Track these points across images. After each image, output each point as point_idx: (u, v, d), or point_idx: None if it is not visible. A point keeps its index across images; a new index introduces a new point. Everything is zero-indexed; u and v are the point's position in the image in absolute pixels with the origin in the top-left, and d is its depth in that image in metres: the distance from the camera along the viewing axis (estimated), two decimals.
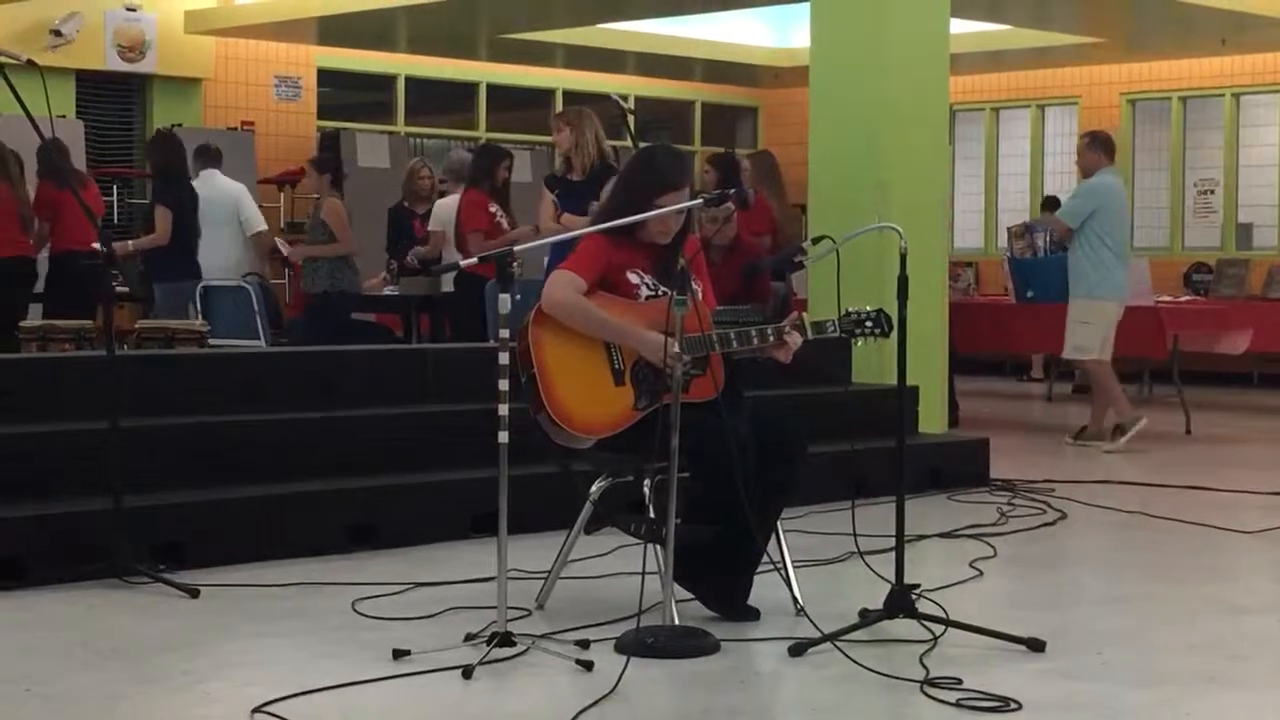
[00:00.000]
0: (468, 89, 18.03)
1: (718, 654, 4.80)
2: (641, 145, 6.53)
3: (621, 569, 5.90)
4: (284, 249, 12.21)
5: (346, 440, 6.97)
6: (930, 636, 4.89)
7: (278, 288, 13.65)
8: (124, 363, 6.55)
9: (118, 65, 15.39)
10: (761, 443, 5.14)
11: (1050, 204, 16.58)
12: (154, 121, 15.74)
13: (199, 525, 6.18)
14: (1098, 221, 10.24)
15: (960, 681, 4.42)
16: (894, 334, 5.15)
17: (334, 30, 15.74)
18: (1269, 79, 16.91)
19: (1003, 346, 14.25)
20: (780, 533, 5.38)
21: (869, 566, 5.44)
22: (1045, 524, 7.44)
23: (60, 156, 10.90)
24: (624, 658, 4.57)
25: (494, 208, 10.22)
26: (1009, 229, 12.98)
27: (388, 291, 11.27)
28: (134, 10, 15.35)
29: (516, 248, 5.04)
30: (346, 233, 11.01)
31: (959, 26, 10.38)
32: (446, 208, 10.90)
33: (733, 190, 5.56)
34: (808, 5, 9.90)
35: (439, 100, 18.24)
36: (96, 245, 5.91)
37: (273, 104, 16.57)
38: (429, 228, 11.24)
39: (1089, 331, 10.39)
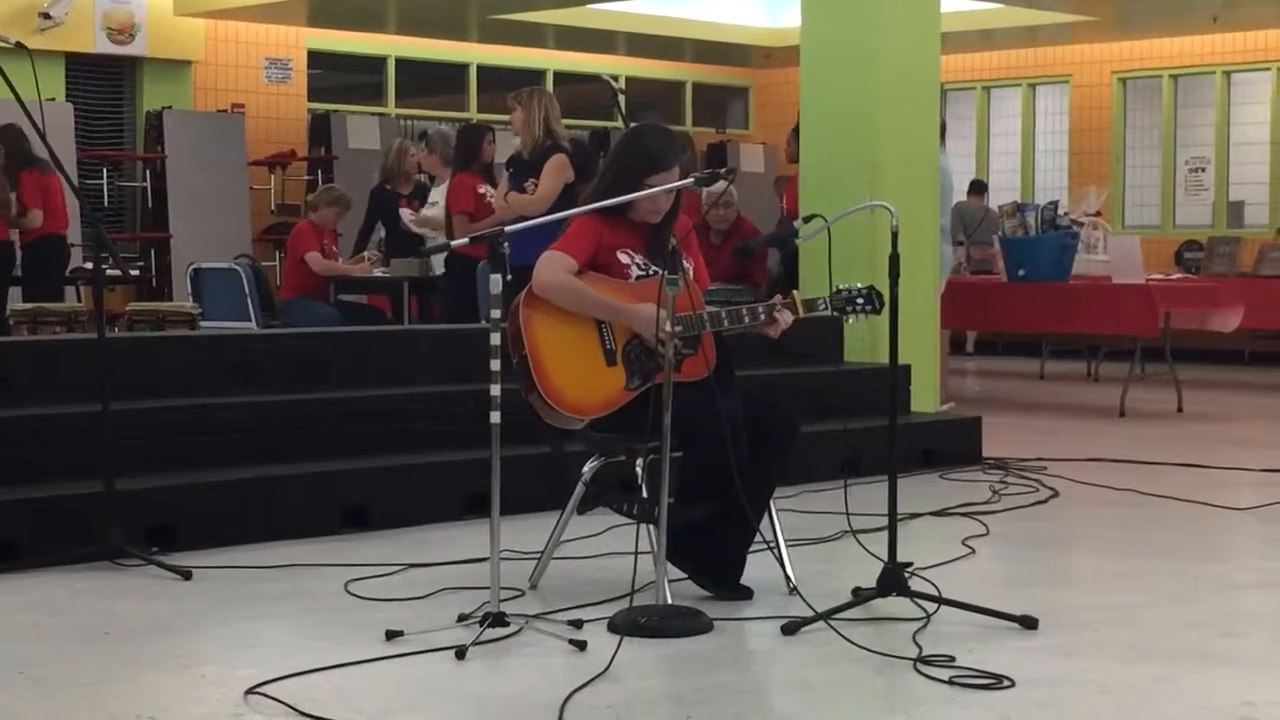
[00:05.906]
0: (458, 70, 18.01)
1: (711, 633, 4.80)
2: (632, 125, 6.52)
3: (614, 549, 5.91)
4: None
5: (338, 422, 6.96)
6: (923, 614, 4.89)
7: (269, 270, 13.63)
8: (115, 345, 6.54)
9: (107, 48, 15.34)
10: (754, 421, 5.13)
11: (977, 188, 16.60)
12: (144, 104, 15.73)
13: (191, 507, 6.17)
14: None
15: (953, 659, 4.42)
16: (886, 313, 5.15)
17: (324, 12, 15.71)
18: (1259, 57, 16.91)
19: (994, 325, 14.28)
20: (773, 511, 5.37)
21: (862, 545, 5.44)
22: (1038, 502, 7.45)
23: (28, 143, 10.81)
24: (617, 637, 4.57)
25: (483, 188, 10.21)
26: (1000, 207, 12.97)
27: (377, 273, 11.24)
28: None
29: (508, 229, 5.02)
30: None
31: (950, 5, 10.36)
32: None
33: (725, 168, 5.54)
34: None
35: (429, 81, 18.21)
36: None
37: (263, 86, 16.54)
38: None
39: None
